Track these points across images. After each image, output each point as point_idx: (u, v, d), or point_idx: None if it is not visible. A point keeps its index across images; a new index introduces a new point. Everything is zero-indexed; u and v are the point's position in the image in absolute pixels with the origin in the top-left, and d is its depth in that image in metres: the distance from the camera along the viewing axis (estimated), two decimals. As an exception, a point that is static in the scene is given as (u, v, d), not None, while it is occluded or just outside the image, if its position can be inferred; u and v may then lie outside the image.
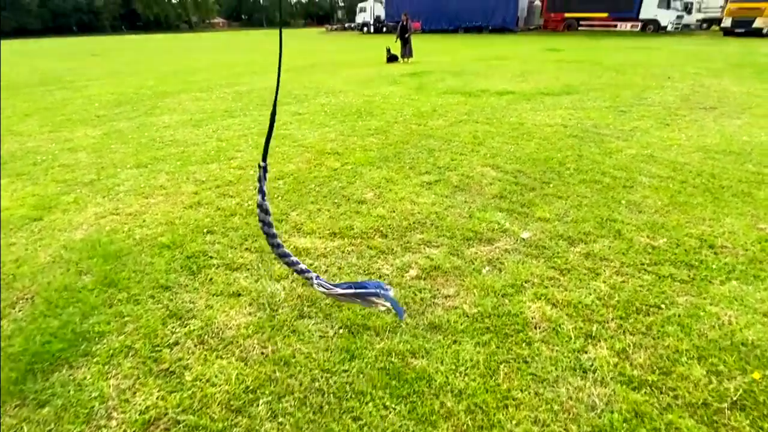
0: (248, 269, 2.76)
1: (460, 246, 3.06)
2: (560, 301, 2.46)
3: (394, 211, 3.59)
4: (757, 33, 26.09)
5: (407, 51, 15.62)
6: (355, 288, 1.26)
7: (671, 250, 3.01)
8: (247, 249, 2.99)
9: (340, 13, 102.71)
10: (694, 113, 7.06)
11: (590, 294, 2.53)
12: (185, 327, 2.26)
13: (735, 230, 3.30)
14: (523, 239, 3.16)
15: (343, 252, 2.96)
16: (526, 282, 2.64)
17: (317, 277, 1.27)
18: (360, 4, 51.05)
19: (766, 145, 5.34)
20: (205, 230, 3.22)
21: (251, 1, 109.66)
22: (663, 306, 2.44)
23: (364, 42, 31.75)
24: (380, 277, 2.69)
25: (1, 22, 73.94)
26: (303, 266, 1.29)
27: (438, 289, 2.58)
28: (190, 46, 32.60)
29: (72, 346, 2.14)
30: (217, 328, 2.26)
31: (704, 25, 34.26)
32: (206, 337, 2.20)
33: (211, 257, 2.87)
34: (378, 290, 1.25)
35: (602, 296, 2.52)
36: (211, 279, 2.65)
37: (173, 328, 2.26)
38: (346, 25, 61.83)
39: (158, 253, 2.90)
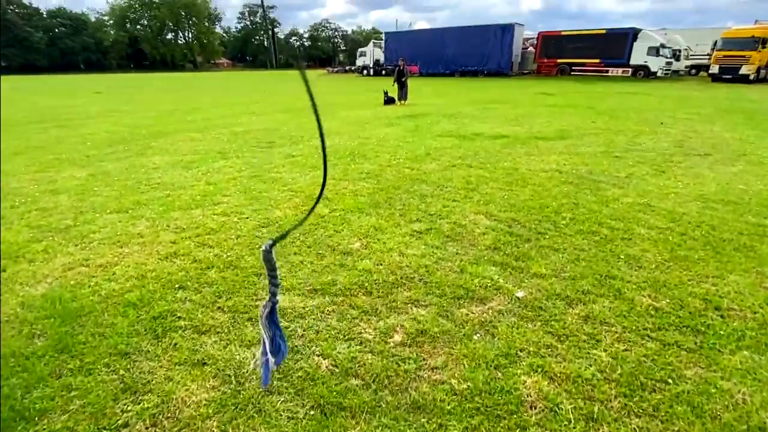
0: (218, 332, 2.53)
1: (450, 306, 2.85)
2: (558, 375, 2.23)
3: (381, 264, 3.40)
4: (744, 79, 26.90)
5: (403, 94, 15.98)
6: (268, 339, 1.32)
7: (675, 313, 2.81)
8: (219, 308, 2.77)
9: (341, 57, 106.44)
10: (690, 160, 7.02)
11: (591, 365, 2.31)
12: (138, 404, 2.01)
13: (741, 290, 3.11)
14: (518, 298, 2.96)
15: (322, 312, 2.75)
16: (521, 351, 2.42)
17: (274, 297, 1.23)
18: (360, 49, 52.91)
19: (764, 195, 5.24)
20: (177, 285, 3.01)
21: (255, 44, 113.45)
22: (670, 381, 2.22)
23: (363, 84, 32.56)
24: (361, 343, 2.47)
25: (10, 58, 76.03)
26: (277, 291, 1.27)
27: (424, 359, 2.35)
28: (193, 86, 33.34)
29: (7, 428, 1.89)
30: (174, 406, 2.01)
31: (693, 71, 35.38)
32: (161, 417, 1.95)
33: (180, 317, 2.65)
34: (271, 356, 1.33)
35: (604, 368, 2.30)
36: (175, 344, 2.42)
37: (125, 405, 2.01)
38: (347, 68, 63.74)
39: (122, 313, 2.68)
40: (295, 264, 3.36)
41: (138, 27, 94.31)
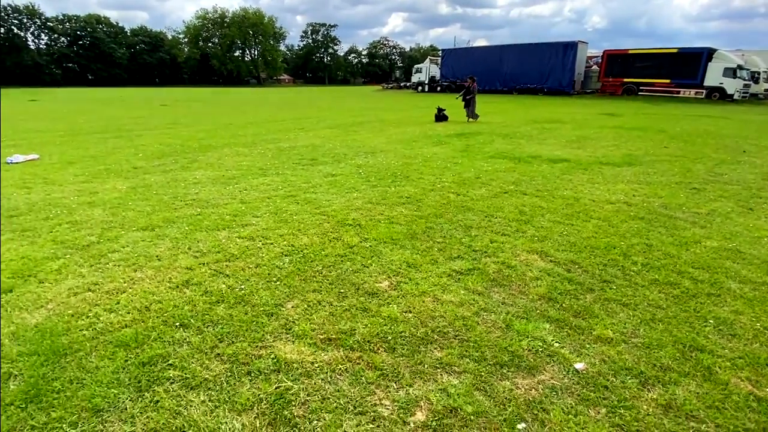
0: (209, 389, 2.16)
1: (490, 375, 2.32)
2: (632, 500, 1.65)
3: (410, 312, 2.92)
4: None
5: (470, 112, 15.58)
6: None
7: (790, 410, 2.11)
8: (217, 356, 2.40)
9: (398, 73, 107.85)
10: (785, 196, 6.00)
11: (679, 489, 1.70)
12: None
13: None
14: (577, 371, 2.37)
15: (333, 371, 2.31)
16: (579, 454, 1.85)
17: None
18: (416, 65, 53.12)
19: None
20: (178, 323, 2.69)
21: (315, 61, 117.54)
22: None
23: (417, 101, 32.39)
24: (374, 420, 1.99)
25: (96, 72, 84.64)
26: None
27: (450, 453, 1.84)
28: (253, 99, 34.66)
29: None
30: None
31: (773, 95, 32.17)
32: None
33: (171, 365, 2.31)
34: None
35: (698, 495, 1.68)
36: (157, 401, 2.06)
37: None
38: (402, 84, 64.17)
39: (111, 354, 2.38)
40: (312, 304, 2.96)
41: (209, 44, 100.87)
